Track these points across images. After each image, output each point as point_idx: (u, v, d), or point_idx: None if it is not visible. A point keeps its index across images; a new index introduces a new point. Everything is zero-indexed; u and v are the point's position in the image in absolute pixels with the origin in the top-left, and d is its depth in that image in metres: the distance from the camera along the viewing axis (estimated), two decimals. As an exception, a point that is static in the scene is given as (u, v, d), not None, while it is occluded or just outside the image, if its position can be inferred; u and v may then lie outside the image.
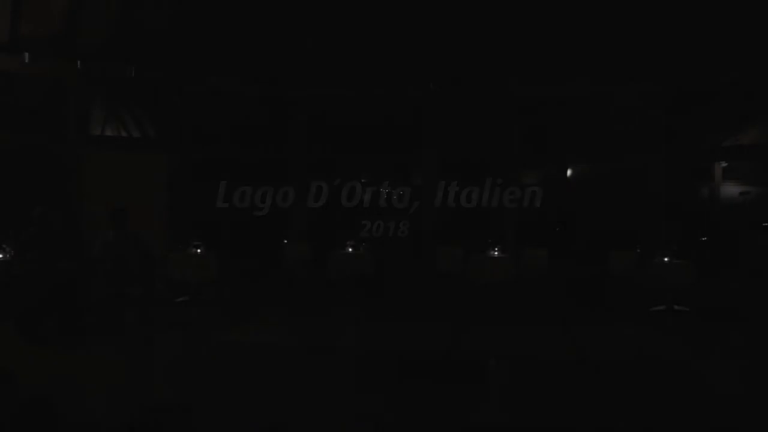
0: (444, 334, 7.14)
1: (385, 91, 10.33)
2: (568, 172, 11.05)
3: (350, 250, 9.81)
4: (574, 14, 9.43)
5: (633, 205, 10.12)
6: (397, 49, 10.24)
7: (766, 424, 4.57)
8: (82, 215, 8.79)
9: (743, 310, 8.31)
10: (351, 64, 10.51)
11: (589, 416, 4.61)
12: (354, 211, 11.43)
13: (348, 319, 8.00)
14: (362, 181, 12.15)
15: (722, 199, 9.62)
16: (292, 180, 10.88)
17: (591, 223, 10.58)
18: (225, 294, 9.42)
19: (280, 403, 4.96)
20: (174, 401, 2.57)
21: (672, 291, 8.83)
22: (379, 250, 10.15)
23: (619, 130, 10.52)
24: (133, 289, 7.27)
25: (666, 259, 8.85)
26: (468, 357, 6.17)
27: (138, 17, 9.17)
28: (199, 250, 9.16)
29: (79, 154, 9.13)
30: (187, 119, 10.01)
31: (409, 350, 6.38)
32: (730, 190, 9.46)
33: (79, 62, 8.86)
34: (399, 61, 10.32)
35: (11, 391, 2.80)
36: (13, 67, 8.58)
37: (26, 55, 8.50)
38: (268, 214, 11.33)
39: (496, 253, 9.46)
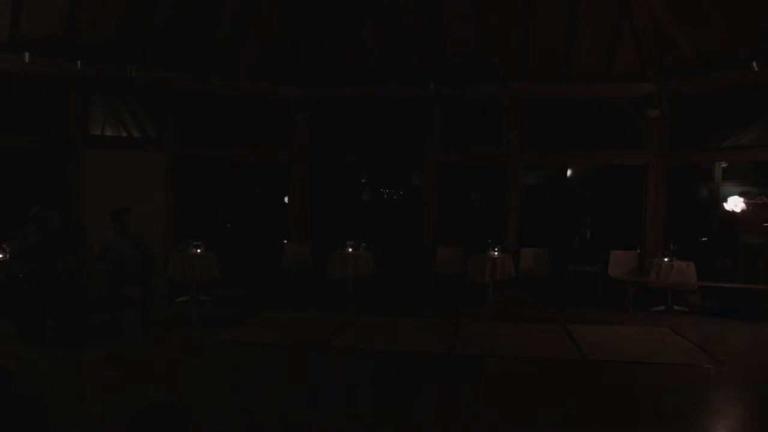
0: (443, 334, 7.13)
1: (385, 90, 10.30)
2: (568, 172, 11.03)
3: (350, 250, 9.82)
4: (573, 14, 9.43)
5: (633, 205, 10.11)
6: (397, 49, 10.25)
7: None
8: (82, 215, 8.78)
9: (743, 310, 8.30)
10: (350, 64, 10.51)
11: (588, 417, 4.61)
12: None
13: (348, 319, 7.99)
14: (362, 181, 12.16)
15: (722, 199, 9.60)
16: (293, 180, 10.87)
17: (591, 222, 10.57)
18: (225, 294, 9.43)
19: (279, 403, 4.96)
20: (173, 401, 2.56)
21: (671, 291, 8.84)
22: (379, 249, 10.16)
23: (619, 130, 10.51)
24: (132, 289, 7.28)
25: (666, 260, 8.86)
26: (467, 357, 6.17)
27: (138, 16, 9.16)
28: (199, 250, 9.19)
29: (79, 153, 9.11)
30: (187, 119, 9.99)
31: (408, 350, 6.37)
32: (730, 190, 9.45)
33: (79, 62, 8.85)
34: (399, 60, 10.32)
35: (11, 390, 2.79)
36: (13, 66, 8.57)
37: (26, 54, 8.49)
38: (269, 214, 11.33)
39: (495, 253, 9.47)
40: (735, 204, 7.77)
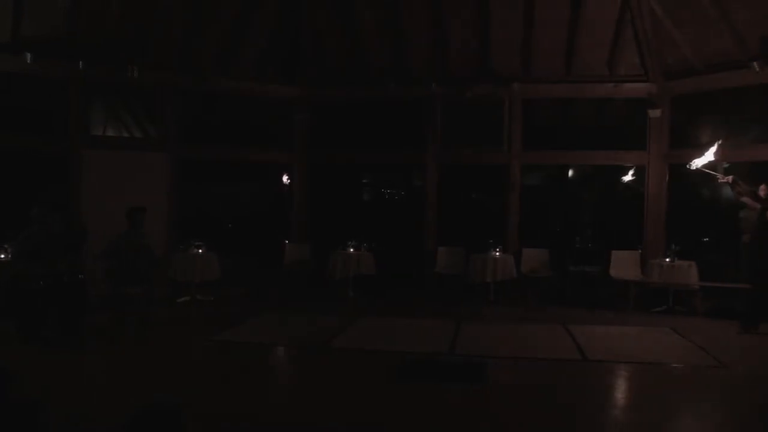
0: (445, 334, 7.12)
1: (386, 91, 10.30)
2: (570, 173, 11.02)
3: (351, 250, 9.83)
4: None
5: (634, 205, 10.09)
6: (398, 49, 10.25)
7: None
8: (83, 215, 8.77)
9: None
10: (351, 64, 10.51)
11: (589, 417, 4.60)
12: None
13: (348, 319, 7.98)
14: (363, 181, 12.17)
15: (723, 199, 9.59)
16: (294, 180, 10.88)
17: (592, 223, 10.57)
18: (226, 294, 9.43)
19: (279, 403, 4.96)
20: (171, 401, 2.56)
21: (673, 292, 8.84)
22: (380, 250, 10.16)
23: (620, 130, 10.50)
24: (135, 289, 7.28)
25: (667, 260, 8.84)
26: (468, 357, 6.15)
27: (138, 17, 9.17)
28: (200, 251, 9.20)
29: (81, 154, 9.12)
30: (188, 119, 10.00)
31: (409, 351, 6.36)
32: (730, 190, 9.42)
33: (80, 62, 8.86)
34: (400, 61, 10.32)
35: (10, 391, 2.80)
36: (15, 67, 8.58)
37: (28, 55, 8.50)
38: (270, 214, 11.34)
39: (497, 253, 9.47)
40: (695, 163, 7.61)
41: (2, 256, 7.75)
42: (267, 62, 10.45)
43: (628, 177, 9.60)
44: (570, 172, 10.97)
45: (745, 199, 7.57)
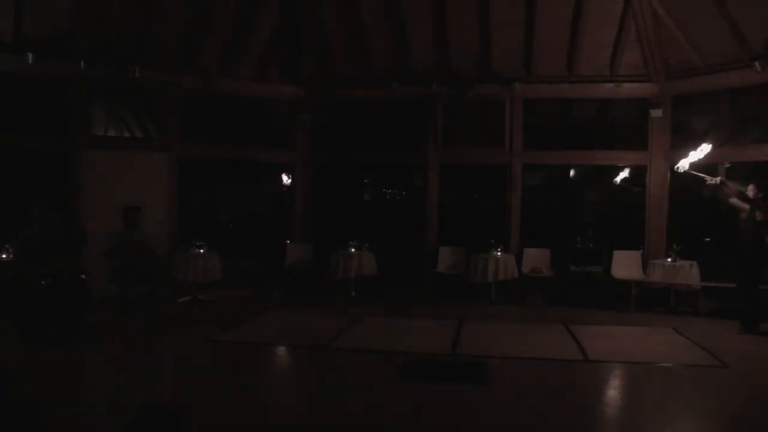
0: (446, 334, 7.11)
1: (388, 91, 10.28)
2: (571, 173, 11.00)
3: (352, 250, 9.82)
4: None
5: (633, 205, 10.08)
6: (399, 49, 10.24)
7: None
8: (84, 215, 8.76)
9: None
10: (353, 65, 10.50)
11: (591, 417, 4.59)
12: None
13: (350, 319, 7.97)
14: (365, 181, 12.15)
15: (725, 199, 9.57)
16: (295, 180, 10.88)
17: (593, 223, 10.54)
18: (227, 294, 9.42)
19: (280, 403, 4.95)
20: (172, 401, 2.55)
21: (674, 292, 8.82)
22: (381, 250, 10.14)
23: (622, 130, 10.48)
24: (138, 288, 7.28)
25: (669, 260, 8.83)
26: (470, 357, 6.14)
27: (140, 17, 9.17)
28: (201, 251, 9.19)
29: (81, 154, 9.11)
30: (189, 119, 9.99)
31: (410, 351, 6.35)
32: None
33: (82, 62, 8.85)
34: (401, 61, 10.31)
35: (10, 391, 2.79)
36: (16, 67, 8.57)
37: (30, 55, 8.49)
38: (271, 214, 11.33)
39: (498, 253, 9.46)
40: (681, 165, 7.55)
41: (2, 256, 7.74)
42: (268, 62, 10.44)
43: (619, 177, 9.60)
44: (571, 172, 10.95)
45: (734, 200, 7.54)
